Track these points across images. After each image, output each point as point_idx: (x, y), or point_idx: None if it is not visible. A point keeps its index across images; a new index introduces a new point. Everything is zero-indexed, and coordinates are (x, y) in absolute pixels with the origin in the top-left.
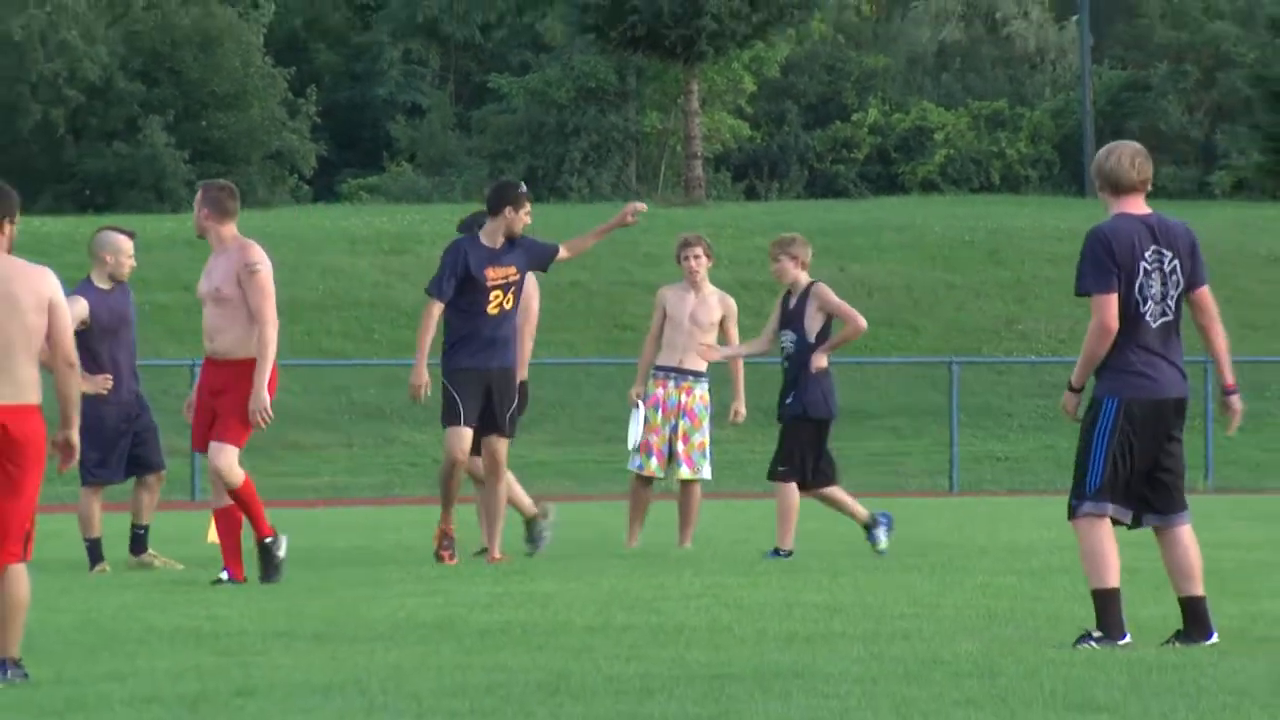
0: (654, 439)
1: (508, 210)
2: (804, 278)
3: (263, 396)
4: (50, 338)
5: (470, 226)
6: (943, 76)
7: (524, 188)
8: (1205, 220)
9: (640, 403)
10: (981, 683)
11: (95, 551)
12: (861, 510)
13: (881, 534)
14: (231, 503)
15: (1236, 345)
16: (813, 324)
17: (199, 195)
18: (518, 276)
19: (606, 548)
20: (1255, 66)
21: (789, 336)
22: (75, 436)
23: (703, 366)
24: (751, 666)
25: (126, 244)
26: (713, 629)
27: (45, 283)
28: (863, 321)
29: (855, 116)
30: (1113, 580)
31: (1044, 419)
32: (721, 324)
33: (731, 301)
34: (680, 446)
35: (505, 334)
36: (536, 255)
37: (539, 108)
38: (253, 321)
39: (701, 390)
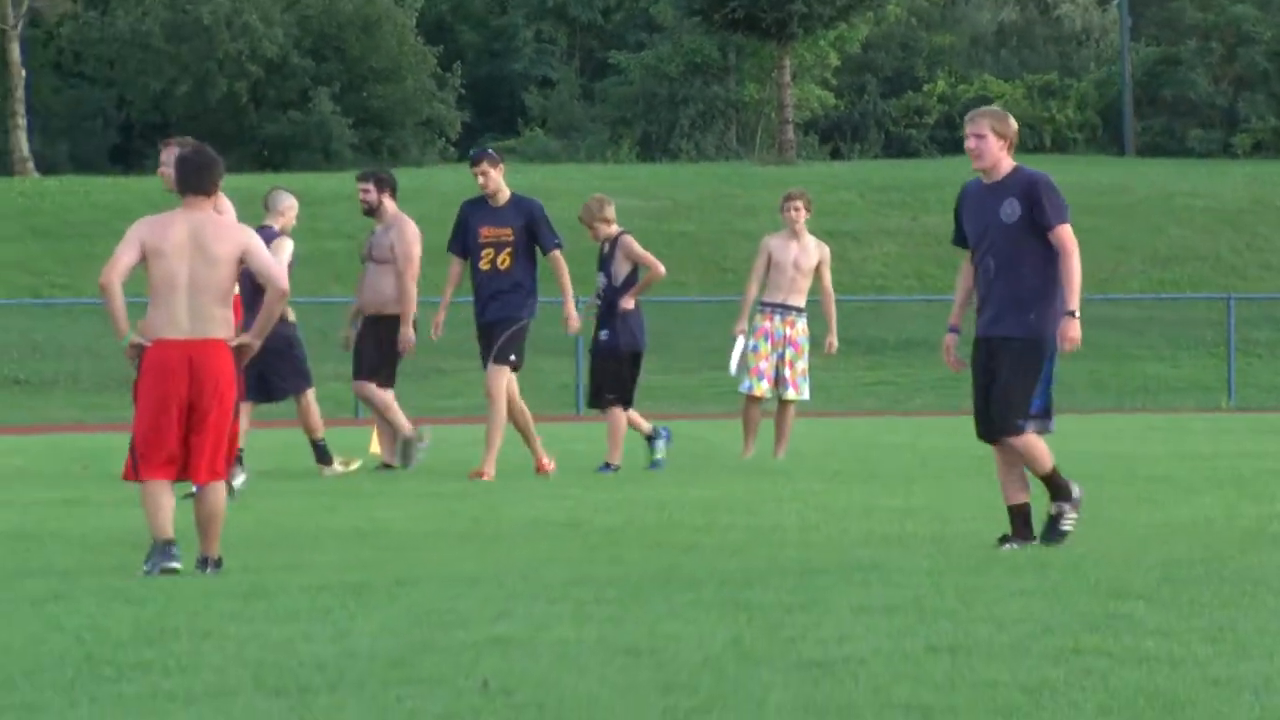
0: (763, 365)
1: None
2: (614, 230)
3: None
4: (260, 275)
5: None
6: (1001, 53)
7: (477, 151)
8: (1228, 176)
9: (741, 335)
10: (1034, 575)
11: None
12: (647, 425)
13: (660, 444)
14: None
15: (1255, 286)
16: (620, 269)
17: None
18: (511, 237)
19: (712, 459)
20: (1271, 43)
21: (601, 280)
22: (254, 344)
23: (803, 303)
24: (835, 561)
25: (294, 201)
26: (802, 529)
27: (243, 237)
28: (662, 269)
29: (926, 87)
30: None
31: (1088, 348)
32: (818, 268)
33: (827, 249)
34: (786, 372)
35: (495, 288)
36: (538, 232)
37: (652, 80)
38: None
39: (803, 324)
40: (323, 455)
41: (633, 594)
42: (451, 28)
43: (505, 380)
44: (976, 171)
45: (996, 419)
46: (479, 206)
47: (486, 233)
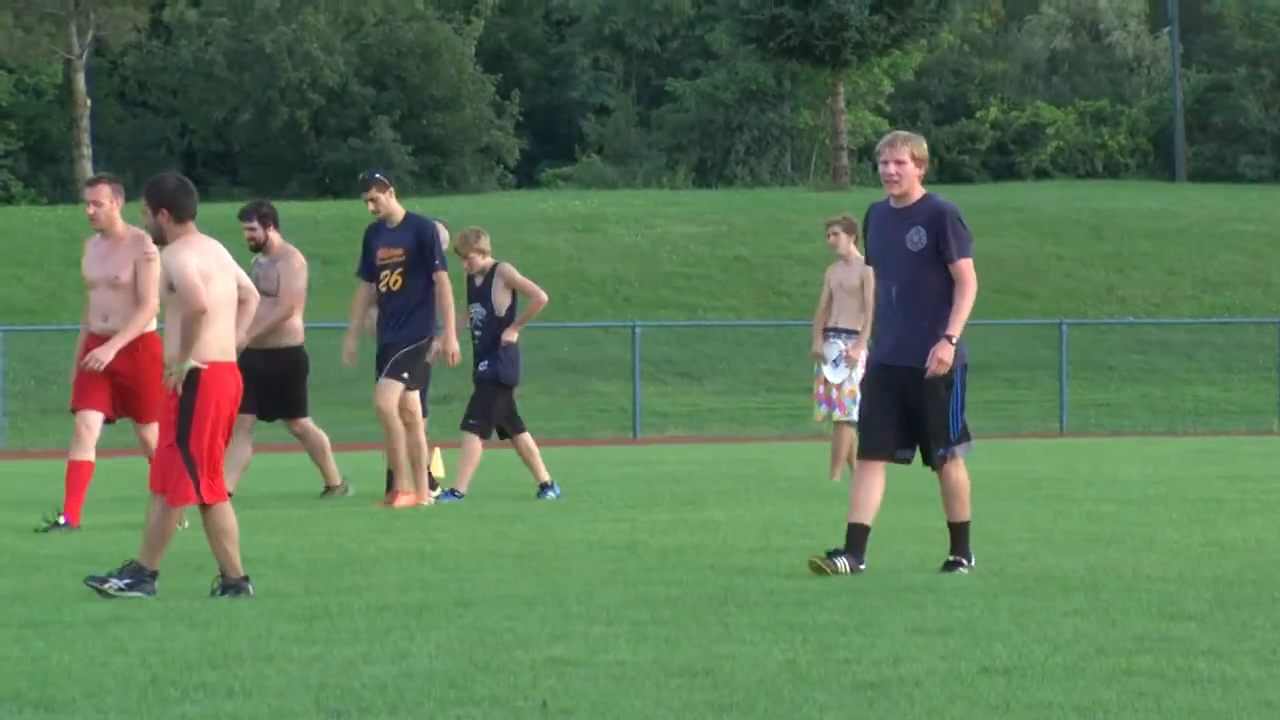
0: (822, 390)
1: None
2: (490, 261)
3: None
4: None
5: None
6: (1053, 79)
7: (364, 175)
8: (1278, 202)
9: (822, 360)
10: (1087, 596)
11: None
12: (543, 471)
13: (550, 495)
14: (85, 458)
15: None
16: (501, 300)
17: (110, 188)
18: (403, 257)
19: (767, 481)
20: None
21: (479, 310)
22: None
23: (857, 325)
24: (889, 583)
25: (444, 232)
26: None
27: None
28: (544, 295)
29: (978, 114)
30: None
31: (1141, 371)
32: (863, 288)
33: (870, 268)
34: (834, 394)
35: (394, 309)
36: (425, 252)
37: (708, 107)
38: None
39: (847, 345)
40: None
41: (689, 615)
42: (510, 56)
43: (396, 397)
44: (891, 195)
45: (927, 453)
46: (379, 229)
47: (383, 254)
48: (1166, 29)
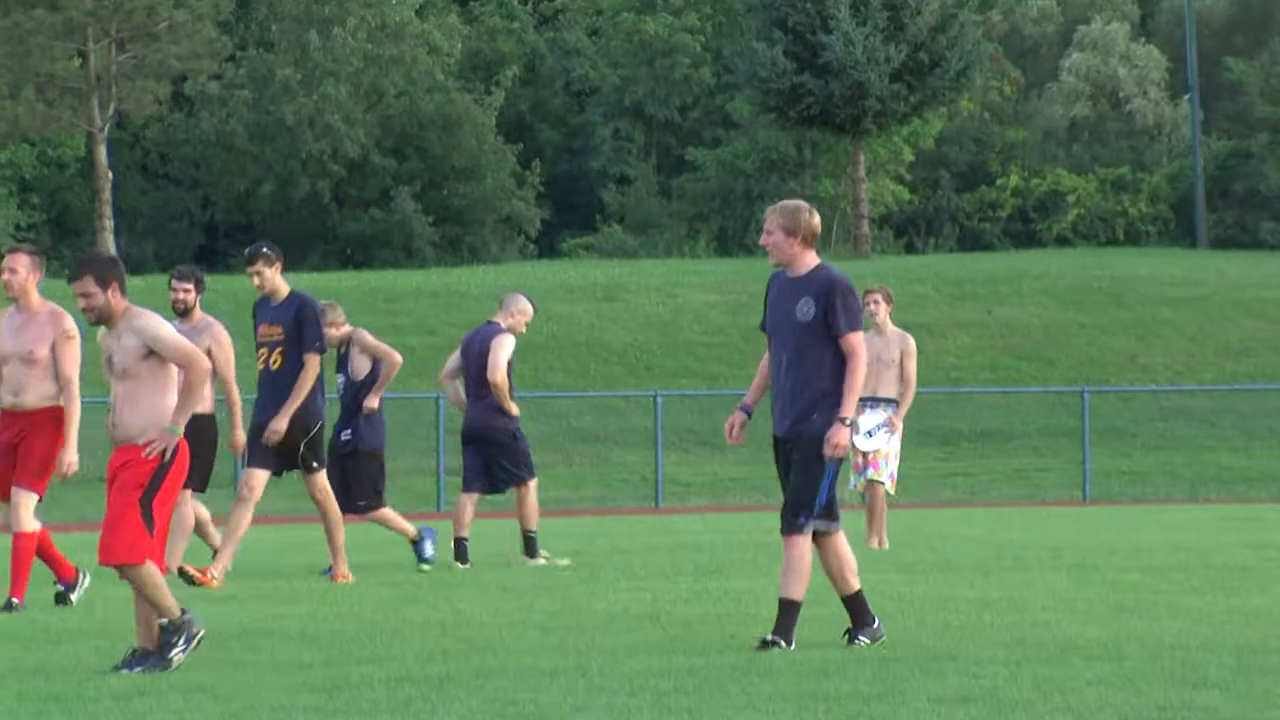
0: (860, 459)
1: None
2: (347, 329)
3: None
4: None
5: None
6: (1074, 147)
7: (251, 249)
8: None
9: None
10: (1110, 664)
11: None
12: (410, 527)
13: (427, 546)
14: (30, 530)
15: None
16: (359, 366)
17: (30, 259)
18: (281, 335)
19: None
20: None
21: (340, 380)
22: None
23: (892, 393)
24: (912, 651)
25: (529, 307)
26: (879, 619)
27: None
28: (398, 356)
29: (999, 181)
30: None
31: (1164, 439)
32: (900, 359)
33: (911, 341)
34: (868, 455)
35: (274, 388)
36: (303, 330)
37: (729, 176)
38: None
39: (888, 413)
40: (531, 548)
41: (712, 685)
42: (530, 126)
43: (324, 481)
44: (773, 266)
45: (783, 516)
46: (263, 305)
47: (263, 331)
48: (1186, 96)
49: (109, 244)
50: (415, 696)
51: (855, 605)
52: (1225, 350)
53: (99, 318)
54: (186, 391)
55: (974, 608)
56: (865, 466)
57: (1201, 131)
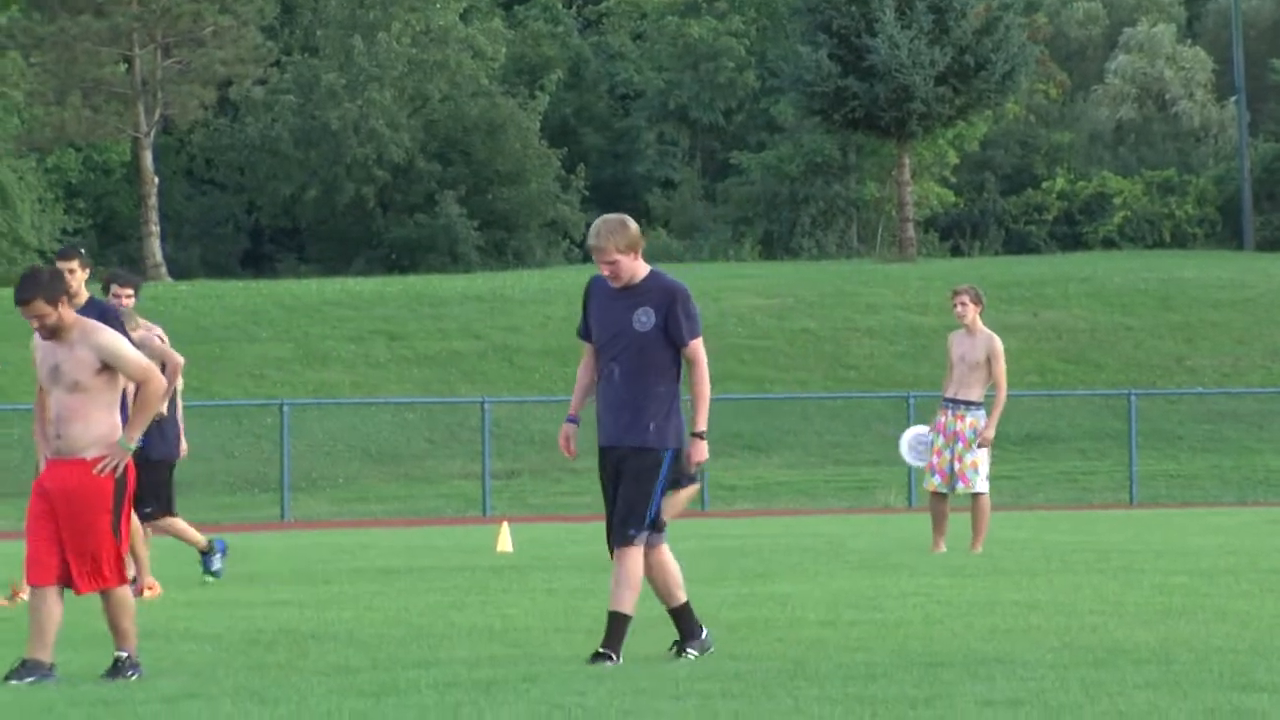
0: (935, 460)
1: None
2: (140, 334)
3: None
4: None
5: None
6: (1120, 149)
7: (68, 247)
8: None
9: (919, 426)
10: (1159, 668)
11: None
12: (200, 538)
13: (216, 559)
14: None
15: None
16: None
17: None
18: None
19: (835, 554)
20: None
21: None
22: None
23: (975, 396)
24: (960, 655)
25: None
26: (926, 623)
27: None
28: (178, 358)
29: (1045, 184)
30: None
31: (1211, 441)
32: (988, 361)
33: (997, 342)
34: (956, 465)
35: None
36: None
37: (773, 180)
38: None
39: (973, 417)
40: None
41: (758, 689)
42: (575, 130)
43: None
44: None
45: (613, 529)
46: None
47: None
48: (1233, 98)
49: (155, 249)
50: (463, 701)
51: (682, 617)
52: (1273, 352)
53: (52, 334)
54: (143, 407)
55: (1021, 611)
56: (955, 480)
57: (1248, 133)
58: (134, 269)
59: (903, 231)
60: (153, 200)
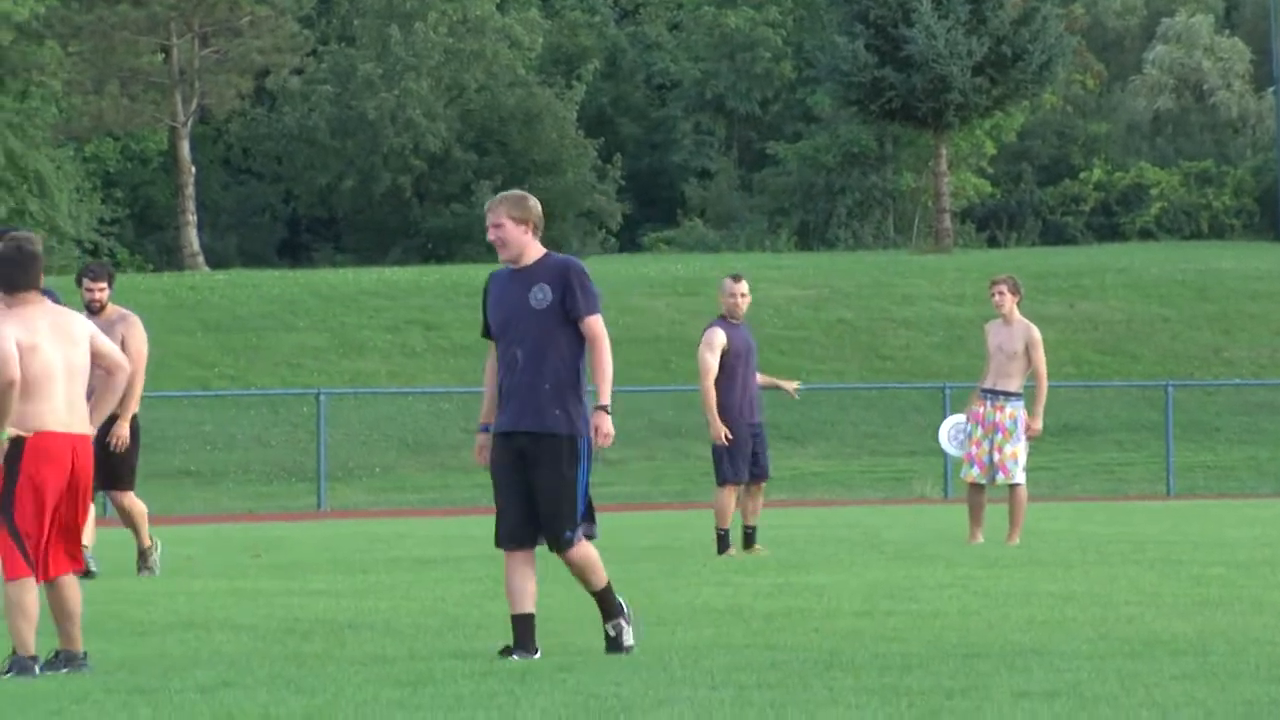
0: (974, 450)
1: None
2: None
3: None
4: (103, 358)
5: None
6: (1157, 140)
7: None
8: None
9: (956, 415)
10: (1196, 659)
11: (723, 540)
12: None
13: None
14: None
15: None
16: None
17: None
18: None
19: (870, 545)
20: None
21: None
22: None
23: (1014, 387)
24: (996, 646)
25: (730, 284)
26: (962, 614)
27: (84, 319)
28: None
29: (1082, 175)
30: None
31: (1248, 433)
32: (1026, 350)
33: (1036, 332)
34: (995, 456)
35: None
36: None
37: (810, 170)
38: None
39: (1012, 408)
40: (749, 539)
41: (794, 679)
42: (611, 120)
43: None
44: (504, 262)
45: (547, 535)
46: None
47: None
48: (1271, 89)
49: (192, 239)
50: (499, 690)
51: (604, 600)
52: None
53: None
54: (108, 393)
55: (1058, 602)
56: (995, 470)
57: None
58: (106, 263)
59: (939, 222)
60: (190, 190)
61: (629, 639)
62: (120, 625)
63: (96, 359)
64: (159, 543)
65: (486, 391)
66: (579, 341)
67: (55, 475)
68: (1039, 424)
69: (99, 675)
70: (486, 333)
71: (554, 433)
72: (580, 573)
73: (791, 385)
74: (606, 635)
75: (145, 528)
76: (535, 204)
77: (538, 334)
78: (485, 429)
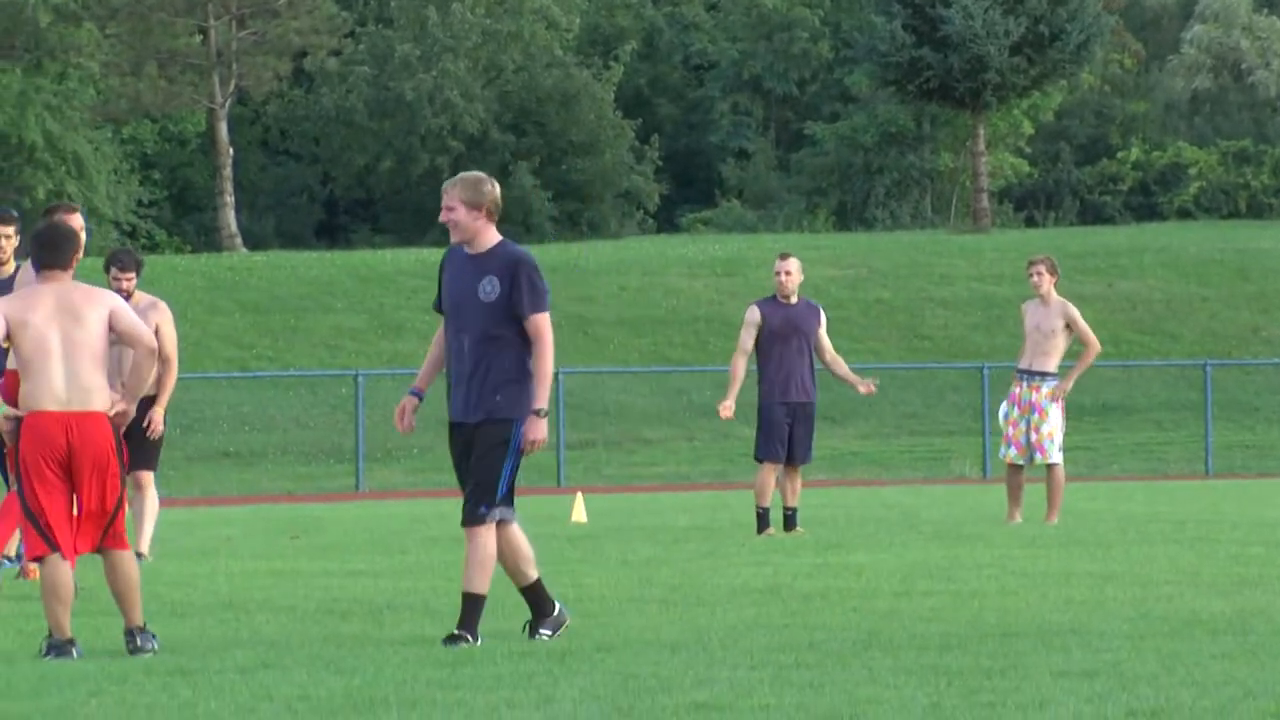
0: (1011, 431)
1: None
2: None
3: None
4: (126, 337)
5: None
6: (1195, 119)
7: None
8: None
9: (1009, 400)
10: (1235, 638)
11: (763, 519)
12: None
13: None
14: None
15: None
16: None
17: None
18: None
19: (909, 525)
20: None
21: None
22: (129, 409)
23: (1050, 367)
24: (1035, 626)
25: (777, 262)
26: (1001, 594)
27: (107, 297)
28: None
29: (1120, 154)
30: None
31: None
32: (1065, 328)
33: (1072, 307)
34: (1032, 436)
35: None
36: None
37: (848, 150)
38: None
39: (1048, 387)
40: (790, 522)
41: (832, 659)
42: (649, 101)
43: None
44: (455, 244)
45: (465, 505)
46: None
47: None
48: None
49: (230, 220)
50: (537, 670)
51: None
52: None
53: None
54: (135, 372)
55: (1096, 582)
56: (1033, 451)
57: None
58: (134, 250)
59: (977, 202)
60: (228, 171)
61: (474, 642)
62: (160, 607)
63: (122, 338)
64: (153, 558)
65: (428, 359)
66: (525, 334)
67: (50, 454)
68: (1069, 384)
69: (139, 656)
70: (437, 305)
71: (493, 418)
72: (470, 555)
73: (865, 387)
74: (452, 634)
75: (150, 529)
76: (492, 188)
77: (484, 326)
78: (414, 392)
